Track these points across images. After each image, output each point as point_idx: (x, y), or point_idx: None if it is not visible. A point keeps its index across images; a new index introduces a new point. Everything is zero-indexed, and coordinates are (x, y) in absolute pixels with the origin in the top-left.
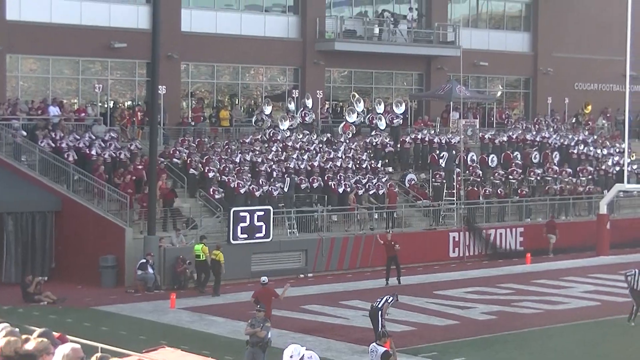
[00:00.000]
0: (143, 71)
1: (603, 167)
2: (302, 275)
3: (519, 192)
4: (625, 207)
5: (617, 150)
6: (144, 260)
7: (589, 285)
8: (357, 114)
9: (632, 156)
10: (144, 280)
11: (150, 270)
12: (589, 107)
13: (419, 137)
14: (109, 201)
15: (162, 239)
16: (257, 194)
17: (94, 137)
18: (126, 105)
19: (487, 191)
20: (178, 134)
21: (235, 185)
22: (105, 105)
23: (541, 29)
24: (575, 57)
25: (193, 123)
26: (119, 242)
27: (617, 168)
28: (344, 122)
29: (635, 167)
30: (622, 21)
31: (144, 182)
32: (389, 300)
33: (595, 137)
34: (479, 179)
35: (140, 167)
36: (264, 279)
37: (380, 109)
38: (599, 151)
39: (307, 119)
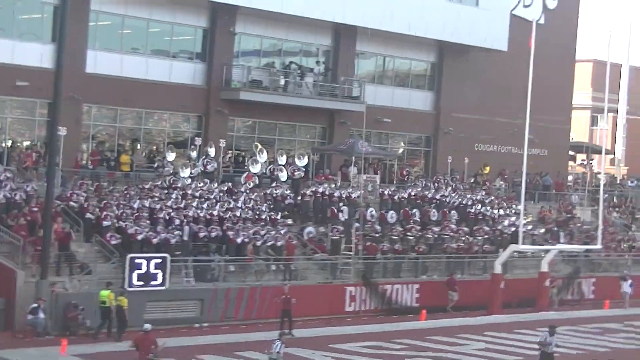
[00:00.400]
0: (44, 111)
1: (499, 227)
2: (197, 325)
3: (416, 248)
4: (518, 267)
5: (513, 211)
6: (36, 305)
7: (483, 343)
8: (260, 164)
9: (528, 217)
10: (34, 325)
11: (41, 314)
12: (488, 168)
13: (320, 190)
14: (1, 243)
15: (55, 284)
16: (155, 241)
17: None
18: (24, 145)
19: (384, 247)
20: (76, 176)
21: (133, 232)
22: (2, 144)
23: (444, 88)
24: (475, 118)
25: (91, 166)
26: (9, 285)
27: (513, 229)
28: (247, 173)
29: (529, 228)
30: (521, 85)
31: (38, 224)
32: (280, 347)
33: (493, 197)
34: (377, 235)
35: (35, 209)
36: (147, 326)
37: (283, 160)
38: (495, 211)
39: (208, 167)
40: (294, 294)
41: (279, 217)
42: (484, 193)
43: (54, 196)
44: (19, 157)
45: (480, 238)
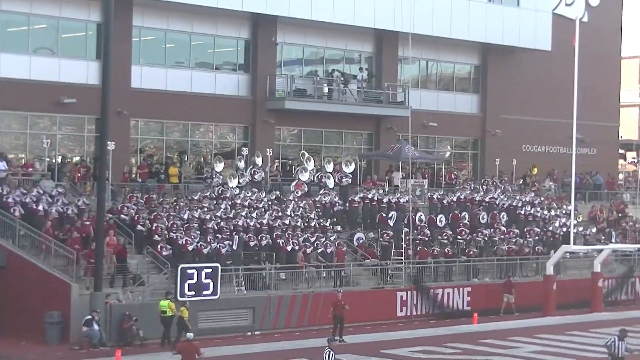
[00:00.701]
0: (92, 127)
1: (550, 228)
2: (249, 333)
3: (466, 252)
4: (571, 268)
5: (564, 212)
6: (90, 317)
7: (536, 346)
8: (309, 172)
9: (579, 218)
10: (89, 337)
11: (95, 326)
12: (536, 169)
13: (368, 196)
14: (55, 257)
15: (108, 296)
16: (205, 251)
17: (41, 192)
18: (74, 160)
19: (435, 251)
20: (125, 190)
21: (183, 242)
22: (53, 160)
23: (490, 91)
24: (523, 119)
25: (140, 180)
26: (64, 298)
27: (564, 229)
28: (296, 181)
29: (581, 228)
30: (568, 85)
31: (91, 238)
32: (330, 356)
33: (542, 198)
34: (427, 239)
35: (87, 222)
36: (190, 335)
37: (330, 167)
38: (545, 212)
39: (256, 177)
40: (345, 300)
41: (328, 224)
42: (533, 194)
43: (105, 209)
44: (70, 172)
45: (531, 239)
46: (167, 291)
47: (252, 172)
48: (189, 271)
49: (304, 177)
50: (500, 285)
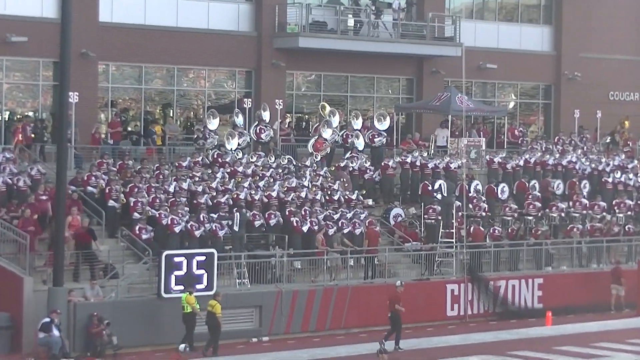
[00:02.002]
0: (49, 73)
1: None
2: (254, 339)
3: (535, 232)
4: None
5: None
6: (48, 320)
7: (629, 355)
8: (332, 129)
9: None
10: (47, 346)
11: (55, 332)
12: (627, 123)
13: (408, 160)
14: (3, 242)
15: (72, 292)
16: (197, 233)
17: None
18: (26, 116)
19: (495, 231)
20: (94, 155)
21: (169, 222)
22: None
23: (566, 22)
24: (610, 59)
25: (112, 141)
26: (15, 296)
27: None
28: (316, 138)
29: None
30: None
31: (49, 217)
32: None
33: (636, 162)
34: (485, 215)
35: (44, 197)
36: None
37: (358, 124)
38: None
39: (262, 136)
40: (377, 295)
41: (355, 197)
42: (624, 156)
43: (67, 180)
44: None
45: (621, 215)
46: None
47: (257, 131)
48: (176, 259)
49: (327, 133)
50: (607, 274)
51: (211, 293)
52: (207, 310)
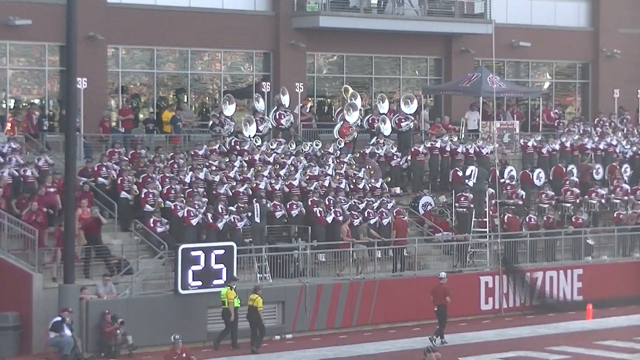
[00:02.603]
0: (55, 58)
1: None
2: (277, 337)
3: (574, 220)
4: None
5: None
6: (59, 319)
7: None
8: (357, 113)
9: None
10: (58, 346)
11: (67, 332)
12: None
13: (437, 146)
14: (10, 237)
15: (84, 289)
16: (221, 225)
17: None
18: (31, 104)
19: (531, 219)
20: (104, 144)
21: (185, 214)
22: (4, 105)
23: None
24: None
25: (123, 129)
26: (23, 294)
27: None
28: (341, 123)
29: None
30: None
31: (58, 210)
32: None
33: None
34: (520, 203)
35: (52, 190)
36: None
37: (384, 108)
38: None
39: (282, 122)
40: (407, 289)
41: (382, 185)
42: None
43: (76, 171)
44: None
45: None
46: (231, 276)
47: (277, 116)
48: (194, 254)
49: (352, 117)
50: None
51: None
52: (248, 305)
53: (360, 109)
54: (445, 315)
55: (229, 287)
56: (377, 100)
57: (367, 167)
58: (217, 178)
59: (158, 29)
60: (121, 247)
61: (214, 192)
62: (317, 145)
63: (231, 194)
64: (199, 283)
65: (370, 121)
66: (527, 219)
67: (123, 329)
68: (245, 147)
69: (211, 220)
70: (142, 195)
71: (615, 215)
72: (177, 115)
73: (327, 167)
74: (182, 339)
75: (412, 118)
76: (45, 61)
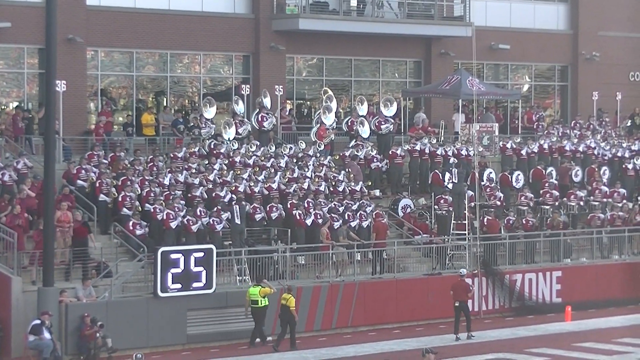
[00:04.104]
0: (34, 60)
1: None
2: (258, 340)
3: (551, 222)
4: None
5: None
6: (38, 322)
7: None
8: (334, 114)
9: None
10: (38, 349)
11: (46, 335)
12: None
13: (417, 148)
14: None
15: (63, 292)
16: (194, 228)
17: None
18: (11, 106)
19: (510, 222)
20: (84, 147)
21: (164, 217)
22: None
23: None
24: (630, 37)
25: (102, 132)
26: (2, 297)
27: None
28: (319, 125)
29: None
30: None
31: (37, 213)
32: None
33: None
34: (499, 205)
35: (31, 192)
36: (139, 355)
37: (363, 110)
38: None
39: (265, 124)
40: (386, 291)
41: (359, 187)
42: None
43: (55, 174)
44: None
45: None
46: (259, 277)
47: (259, 119)
48: (173, 256)
49: (329, 119)
50: (626, 266)
51: (210, 291)
52: (281, 304)
53: (339, 111)
54: (468, 310)
55: (260, 286)
56: (356, 102)
57: (348, 170)
58: (196, 181)
59: (137, 32)
60: (100, 250)
61: (192, 194)
62: (301, 146)
63: (210, 196)
64: (179, 286)
65: (349, 123)
66: (506, 221)
67: (102, 332)
68: (223, 150)
69: (190, 223)
70: (120, 199)
71: (589, 217)
72: (157, 118)
73: (306, 170)
74: (162, 342)
75: (392, 121)
76: (24, 64)
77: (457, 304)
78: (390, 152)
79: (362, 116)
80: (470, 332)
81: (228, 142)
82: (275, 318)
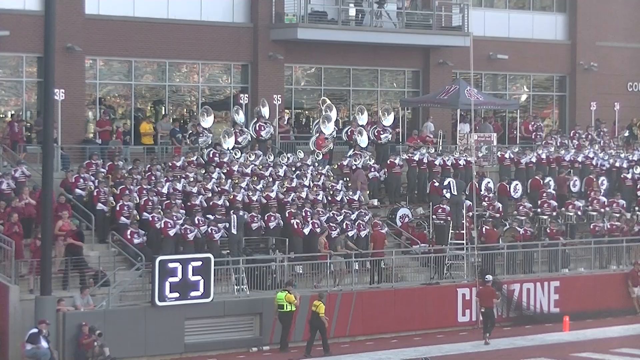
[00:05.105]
0: (32, 69)
1: None
2: (254, 349)
3: (552, 232)
4: None
5: None
6: (36, 331)
7: None
8: (333, 124)
9: None
10: (35, 358)
11: (44, 344)
12: None
13: (415, 158)
14: None
15: (61, 301)
16: (191, 236)
17: None
18: (9, 115)
19: (527, 232)
20: (82, 155)
21: (162, 226)
22: None
23: (582, 8)
24: (628, 47)
25: (100, 140)
26: (0, 305)
27: None
28: (317, 135)
29: None
30: None
31: (35, 222)
32: None
33: None
34: (497, 215)
35: (29, 201)
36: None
37: (363, 119)
38: None
39: (263, 133)
40: (384, 300)
41: (357, 197)
42: None
43: (53, 182)
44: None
45: None
46: (288, 281)
47: (257, 128)
48: (171, 265)
49: (328, 129)
50: (622, 276)
51: (208, 300)
52: (311, 311)
53: (337, 120)
54: (493, 317)
55: (287, 292)
56: (356, 111)
57: (357, 179)
58: (194, 189)
59: (136, 41)
60: (98, 258)
61: (191, 203)
62: (299, 155)
63: (208, 205)
64: (176, 295)
65: (349, 133)
66: (504, 231)
67: (100, 341)
68: (224, 160)
69: (187, 232)
70: (118, 208)
71: (591, 227)
72: (155, 127)
73: (304, 179)
74: (159, 351)
75: (391, 130)
76: (22, 72)
77: (482, 310)
78: (388, 162)
79: (360, 126)
80: (488, 337)
81: (230, 152)
82: (306, 324)
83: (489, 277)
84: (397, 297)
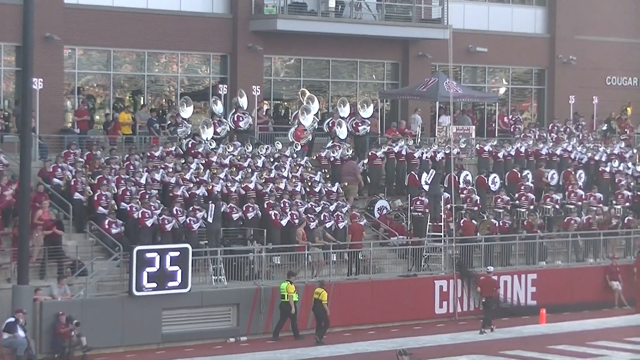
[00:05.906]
0: (10, 58)
1: None
2: (232, 339)
3: (530, 225)
4: None
5: None
6: (12, 320)
7: (628, 354)
8: (312, 116)
9: None
10: (11, 347)
11: (20, 333)
12: (630, 110)
13: (394, 150)
14: None
15: (38, 290)
16: (168, 227)
17: None
18: None
19: (506, 224)
20: (60, 145)
21: (139, 216)
22: None
23: (561, 2)
24: (607, 42)
25: (78, 130)
26: None
27: None
28: (296, 126)
29: None
30: None
31: (12, 211)
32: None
33: (635, 150)
34: (475, 208)
35: (7, 190)
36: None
37: (345, 111)
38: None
39: (241, 124)
40: (362, 292)
41: (336, 188)
42: (623, 145)
43: (31, 172)
44: None
45: (619, 207)
46: (290, 271)
47: (235, 119)
48: (148, 255)
49: (307, 120)
50: (601, 269)
51: (185, 291)
52: (314, 298)
53: (317, 112)
54: (491, 306)
55: (288, 282)
56: (338, 103)
57: (323, 170)
58: (173, 180)
59: (115, 30)
60: (76, 248)
61: (169, 194)
62: (277, 146)
63: (187, 195)
64: (154, 285)
65: (330, 125)
66: (502, 223)
67: (77, 330)
68: (200, 150)
69: (165, 222)
70: (95, 198)
71: (565, 220)
72: (134, 117)
73: (283, 170)
74: (136, 341)
75: (369, 122)
76: (1, 61)
77: (484, 300)
78: (369, 154)
79: (341, 117)
80: (483, 329)
81: (206, 142)
82: (306, 313)
83: (491, 268)
84: (374, 288)
